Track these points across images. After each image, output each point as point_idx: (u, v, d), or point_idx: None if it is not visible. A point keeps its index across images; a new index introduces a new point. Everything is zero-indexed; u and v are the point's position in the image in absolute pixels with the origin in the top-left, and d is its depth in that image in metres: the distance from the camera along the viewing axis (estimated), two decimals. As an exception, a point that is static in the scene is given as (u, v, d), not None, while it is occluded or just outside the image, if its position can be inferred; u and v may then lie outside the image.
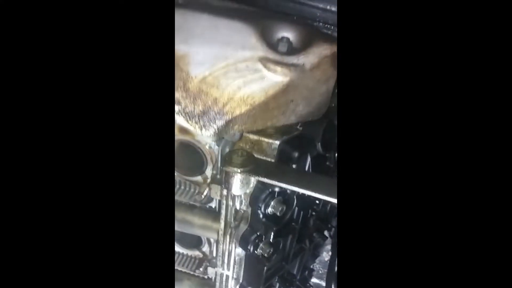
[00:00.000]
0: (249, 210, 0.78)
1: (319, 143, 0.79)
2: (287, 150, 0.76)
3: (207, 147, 0.81)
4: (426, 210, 0.44)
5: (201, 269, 0.93)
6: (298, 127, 0.78)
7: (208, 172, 0.84)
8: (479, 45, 0.44)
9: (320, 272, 1.03)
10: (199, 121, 0.68)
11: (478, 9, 0.44)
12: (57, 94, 0.46)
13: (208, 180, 0.84)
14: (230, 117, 0.67)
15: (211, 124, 0.68)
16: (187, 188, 0.86)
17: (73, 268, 0.45)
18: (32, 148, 0.45)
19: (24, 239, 0.44)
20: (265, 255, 0.78)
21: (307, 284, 1.00)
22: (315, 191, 0.71)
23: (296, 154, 0.76)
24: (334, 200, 0.70)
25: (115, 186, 0.46)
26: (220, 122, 0.68)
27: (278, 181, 0.71)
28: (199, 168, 0.84)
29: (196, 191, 0.85)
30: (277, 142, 0.75)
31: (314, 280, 1.03)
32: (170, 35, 0.52)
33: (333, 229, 0.95)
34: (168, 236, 0.48)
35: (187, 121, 0.69)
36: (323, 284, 1.03)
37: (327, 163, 0.85)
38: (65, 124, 0.46)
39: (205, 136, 0.70)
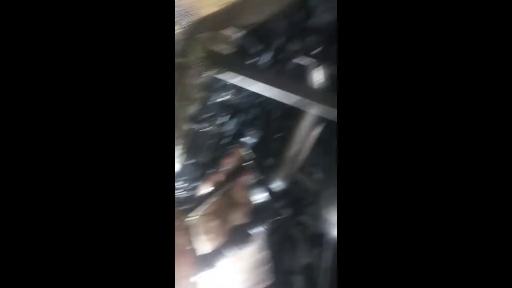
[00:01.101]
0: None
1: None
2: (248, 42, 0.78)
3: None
4: (426, 209, 0.44)
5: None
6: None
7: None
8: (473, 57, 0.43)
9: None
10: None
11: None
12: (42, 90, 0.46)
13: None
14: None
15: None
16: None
17: (73, 259, 0.45)
18: (28, 146, 0.45)
19: (21, 233, 0.44)
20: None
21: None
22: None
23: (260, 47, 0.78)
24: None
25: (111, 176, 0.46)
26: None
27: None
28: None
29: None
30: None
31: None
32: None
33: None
34: (168, 230, 0.48)
35: None
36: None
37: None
38: (52, 103, 0.46)
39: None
